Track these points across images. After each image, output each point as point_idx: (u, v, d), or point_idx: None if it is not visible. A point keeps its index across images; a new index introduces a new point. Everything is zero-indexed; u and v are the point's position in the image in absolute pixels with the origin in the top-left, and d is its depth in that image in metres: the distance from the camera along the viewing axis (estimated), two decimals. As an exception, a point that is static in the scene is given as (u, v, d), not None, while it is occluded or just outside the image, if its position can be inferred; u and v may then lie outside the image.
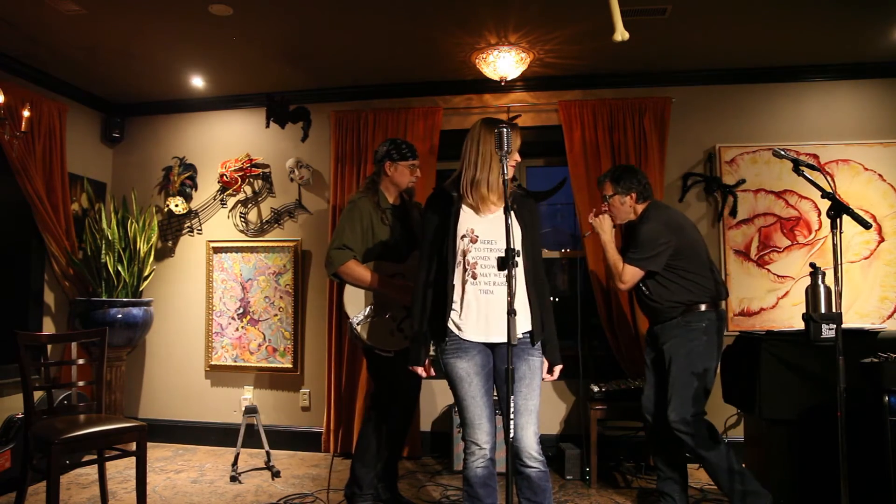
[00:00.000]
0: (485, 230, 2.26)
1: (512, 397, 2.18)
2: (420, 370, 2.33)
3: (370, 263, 3.02)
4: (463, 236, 2.26)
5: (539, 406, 2.27)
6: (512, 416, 2.14)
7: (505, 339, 2.15)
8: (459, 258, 2.26)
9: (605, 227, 3.11)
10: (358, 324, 2.98)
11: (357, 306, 3.02)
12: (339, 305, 4.09)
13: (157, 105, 4.82)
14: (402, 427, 3.24)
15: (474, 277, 2.23)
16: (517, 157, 2.35)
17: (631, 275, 2.97)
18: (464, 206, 2.30)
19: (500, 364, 2.28)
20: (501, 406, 2.25)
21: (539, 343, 2.30)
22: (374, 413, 3.09)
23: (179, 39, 3.75)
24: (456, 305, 2.25)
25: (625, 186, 3.06)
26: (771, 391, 3.02)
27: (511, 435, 2.15)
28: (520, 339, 2.22)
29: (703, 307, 2.94)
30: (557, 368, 2.35)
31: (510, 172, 2.29)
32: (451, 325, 2.26)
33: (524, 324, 2.27)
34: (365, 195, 3.13)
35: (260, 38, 3.73)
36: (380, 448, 3.06)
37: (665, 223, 2.98)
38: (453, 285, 2.25)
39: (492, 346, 2.29)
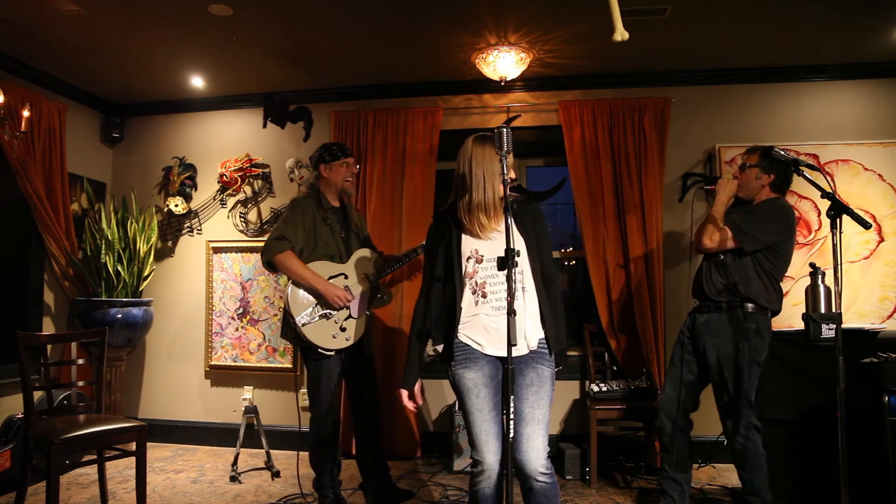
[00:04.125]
0: (489, 249, 2.21)
1: (517, 404, 2.15)
2: (405, 395, 2.26)
3: (314, 263, 3.13)
4: (468, 258, 2.21)
5: (548, 417, 2.17)
6: (512, 423, 2.10)
7: (519, 353, 2.16)
8: (466, 280, 2.21)
9: (728, 191, 3.02)
10: (303, 325, 3.07)
11: (302, 307, 3.10)
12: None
13: (157, 105, 4.82)
14: (363, 418, 3.32)
15: (484, 297, 2.19)
16: (512, 174, 2.24)
17: (723, 237, 2.89)
18: (464, 231, 2.24)
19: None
20: (511, 403, 2.20)
21: (554, 354, 2.23)
22: (311, 412, 3.19)
23: (179, 39, 3.75)
24: (466, 325, 2.21)
25: (771, 165, 2.96)
26: (771, 391, 3.01)
27: (511, 439, 2.08)
28: (535, 349, 2.19)
29: (751, 307, 2.88)
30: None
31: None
32: (462, 338, 2.21)
33: (537, 331, 2.21)
34: (307, 196, 3.27)
35: (260, 38, 3.73)
36: (326, 443, 3.16)
37: (787, 218, 2.92)
38: (461, 308, 2.21)
39: (503, 359, 2.23)
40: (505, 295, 2.15)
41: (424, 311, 2.29)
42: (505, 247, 1.91)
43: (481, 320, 2.19)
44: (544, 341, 2.22)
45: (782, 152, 2.55)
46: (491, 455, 2.13)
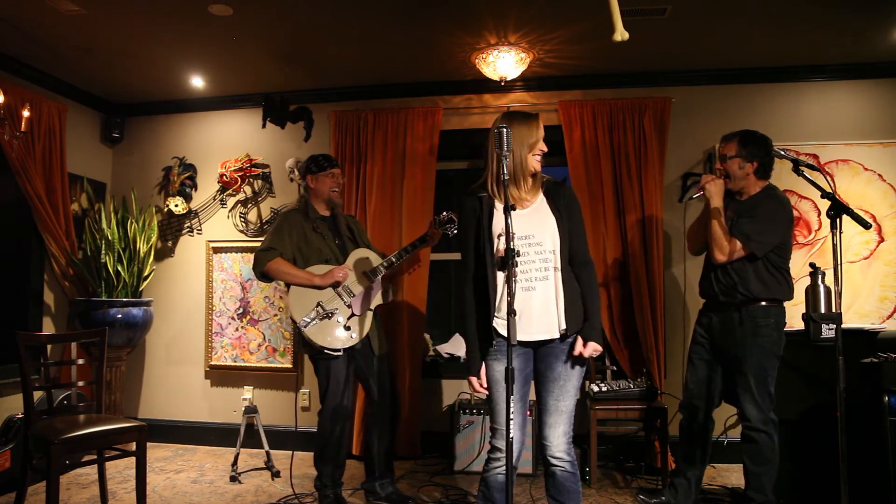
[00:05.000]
0: (521, 226, 2.22)
1: (544, 395, 2.27)
2: (475, 381, 2.27)
3: (312, 268, 3.18)
4: (499, 235, 2.23)
5: (573, 408, 2.27)
6: (512, 416, 2.13)
7: (546, 336, 2.22)
8: (497, 258, 2.24)
9: (719, 192, 2.91)
10: (306, 326, 3.08)
11: (303, 309, 3.11)
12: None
13: (157, 105, 4.82)
14: (384, 419, 3.33)
15: (515, 275, 2.20)
16: (543, 146, 2.29)
17: (733, 249, 2.85)
18: (496, 205, 2.28)
19: (540, 365, 2.28)
20: (538, 407, 2.30)
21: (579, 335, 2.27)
22: (320, 414, 3.19)
23: (179, 39, 3.75)
24: (499, 305, 2.23)
25: (751, 153, 2.88)
26: (771, 391, 3.01)
27: (536, 425, 2.25)
28: (556, 339, 2.24)
29: (764, 303, 2.87)
30: (590, 345, 2.23)
31: (538, 165, 2.29)
32: (496, 325, 2.24)
33: (559, 323, 2.23)
34: (294, 209, 3.38)
35: (260, 38, 3.73)
36: (331, 445, 3.17)
37: (787, 211, 2.90)
38: (495, 286, 2.23)
39: (534, 348, 2.28)
40: (534, 274, 2.21)
41: (472, 297, 2.29)
42: (506, 245, 1.95)
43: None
44: (564, 330, 2.23)
45: (782, 152, 2.56)
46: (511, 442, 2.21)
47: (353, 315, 3.17)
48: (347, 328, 3.15)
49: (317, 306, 3.12)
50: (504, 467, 2.22)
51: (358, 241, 3.40)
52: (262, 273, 3.16)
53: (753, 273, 2.88)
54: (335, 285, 3.15)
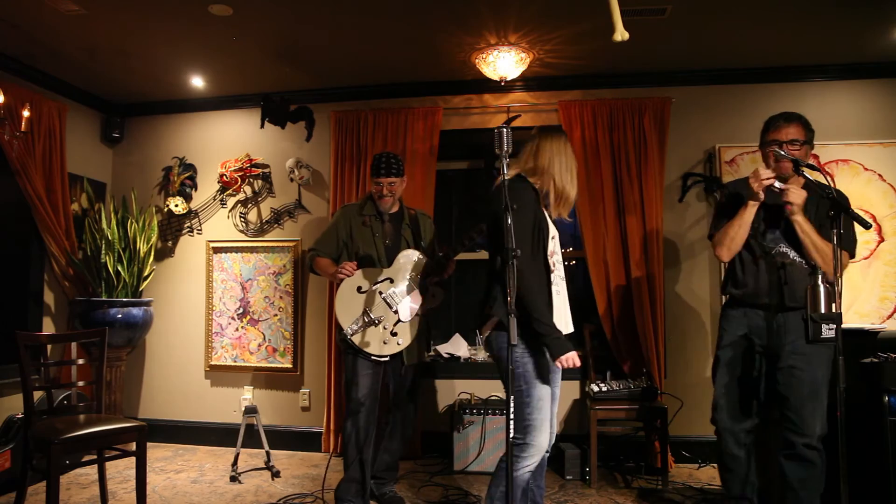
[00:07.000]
0: (553, 229, 2.46)
1: (553, 390, 2.46)
2: (575, 356, 2.24)
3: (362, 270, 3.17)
4: (552, 237, 2.40)
5: None
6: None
7: (570, 331, 2.44)
8: (551, 259, 2.37)
9: (802, 200, 2.49)
10: (353, 334, 3.05)
11: (350, 316, 3.09)
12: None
13: (157, 105, 4.82)
14: (397, 425, 3.31)
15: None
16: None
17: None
18: (548, 211, 2.45)
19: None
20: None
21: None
22: (348, 415, 3.12)
23: (179, 39, 3.75)
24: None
25: (810, 140, 2.61)
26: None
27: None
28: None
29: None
30: None
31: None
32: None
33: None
34: (353, 203, 3.41)
35: (260, 38, 3.73)
36: (353, 442, 3.09)
37: None
38: (551, 281, 2.35)
39: None
40: (557, 278, 2.39)
41: (542, 284, 2.34)
42: (507, 245, 1.99)
43: (553, 300, 2.35)
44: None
45: (782, 152, 2.55)
46: (547, 438, 2.34)
47: (399, 321, 3.10)
48: (394, 334, 3.09)
49: (363, 313, 3.07)
50: (534, 465, 2.30)
51: (419, 243, 3.29)
52: (312, 270, 3.31)
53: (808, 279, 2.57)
54: (377, 284, 3.12)
